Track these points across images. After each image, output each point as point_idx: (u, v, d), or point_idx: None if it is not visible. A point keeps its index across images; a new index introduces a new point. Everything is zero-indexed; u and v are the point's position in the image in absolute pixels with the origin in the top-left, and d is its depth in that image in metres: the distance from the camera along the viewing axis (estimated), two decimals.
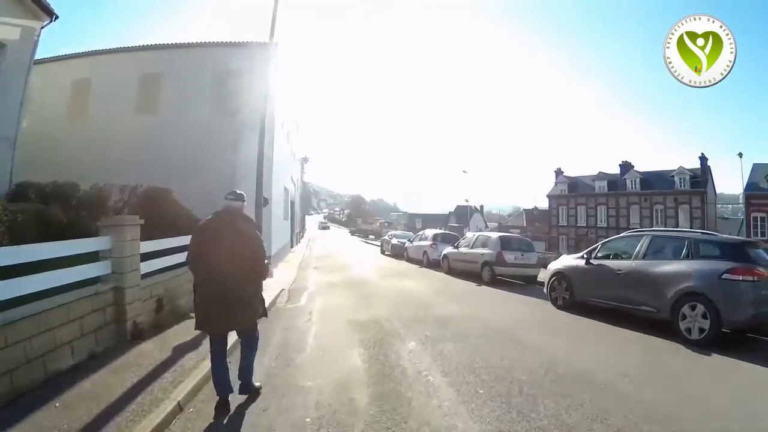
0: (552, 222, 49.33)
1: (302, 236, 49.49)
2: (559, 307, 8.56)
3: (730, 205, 57.49)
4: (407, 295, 9.93)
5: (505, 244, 12.36)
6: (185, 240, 5.04)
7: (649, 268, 6.73)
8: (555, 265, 9.01)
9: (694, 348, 5.76)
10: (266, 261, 3.86)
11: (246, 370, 3.86)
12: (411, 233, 26.60)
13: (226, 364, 3.73)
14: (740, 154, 32.71)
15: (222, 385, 3.63)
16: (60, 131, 15.97)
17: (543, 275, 11.75)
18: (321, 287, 11.70)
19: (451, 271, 14.51)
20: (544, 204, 53.13)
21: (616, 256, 7.70)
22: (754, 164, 34.52)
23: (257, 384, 4.03)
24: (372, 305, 8.74)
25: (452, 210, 74.71)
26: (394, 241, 23.88)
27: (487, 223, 69.67)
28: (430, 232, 19.17)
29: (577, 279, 8.19)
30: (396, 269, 16.34)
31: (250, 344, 3.92)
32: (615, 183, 43.90)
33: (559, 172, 50.20)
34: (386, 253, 24.92)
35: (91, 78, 16.79)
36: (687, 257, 6.39)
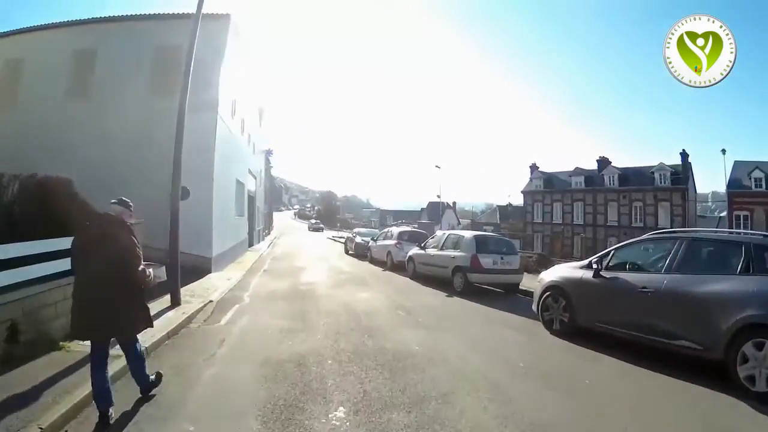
0: (527, 219, 48.11)
1: (267, 233, 47.03)
2: (555, 333, 6.63)
3: (712, 203, 57.52)
4: (357, 313, 7.87)
5: (481, 245, 10.45)
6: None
7: (690, 285, 4.81)
8: (549, 277, 7.03)
9: (758, 406, 3.92)
10: (141, 267, 3.67)
11: (138, 378, 3.91)
12: (378, 230, 24.55)
13: (105, 376, 3.58)
14: (723, 151, 32.42)
15: (100, 399, 3.49)
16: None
17: (530, 284, 9.97)
18: (258, 299, 9.62)
19: (417, 277, 12.56)
20: (518, 201, 52.07)
21: (638, 268, 5.81)
22: (736, 161, 34.10)
23: (152, 377, 4.05)
24: (307, 328, 6.68)
25: (424, 207, 73.14)
26: (358, 239, 21.84)
27: (460, 220, 68.46)
28: (395, 230, 17.20)
29: (580, 297, 6.28)
30: (354, 274, 14.27)
31: (131, 356, 3.87)
32: (592, 179, 42.84)
33: (534, 168, 48.96)
34: (350, 252, 22.89)
35: (24, 58, 14.94)
36: (747, 271, 4.49)
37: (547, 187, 46.61)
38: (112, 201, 3.83)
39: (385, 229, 19.68)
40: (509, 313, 8.25)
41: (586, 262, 6.58)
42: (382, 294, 9.91)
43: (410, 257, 13.15)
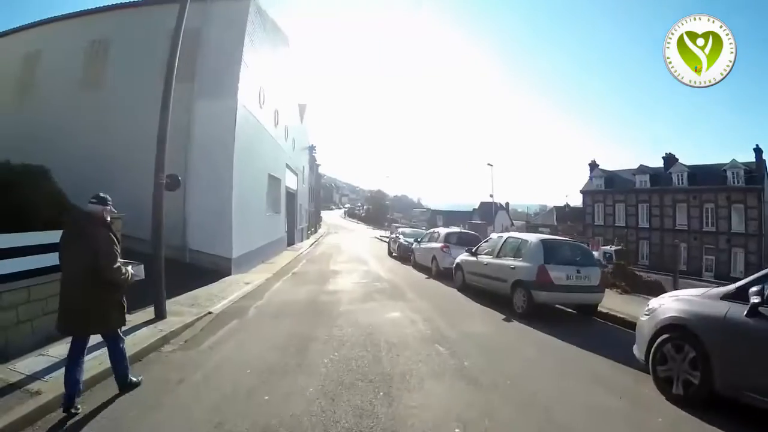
0: (586, 221, 43.67)
1: (314, 231, 45.98)
2: (675, 400, 4.16)
3: None
4: (379, 344, 5.68)
5: (550, 253, 7.91)
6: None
7: None
8: (667, 310, 4.52)
9: None
10: (117, 265, 3.66)
11: (117, 370, 3.98)
12: (424, 231, 22.25)
13: (78, 366, 3.68)
14: None
15: (68, 386, 3.58)
16: (9, 109, 14.14)
17: (611, 305, 7.56)
18: (265, 313, 7.82)
19: (467, 289, 10.23)
20: (575, 201, 47.78)
21: None
22: None
23: (135, 379, 4.10)
24: (302, 370, 4.67)
25: (476, 207, 69.57)
26: (402, 240, 19.67)
27: (513, 222, 64.50)
28: (442, 231, 14.81)
29: (725, 348, 3.82)
30: (391, 281, 12.12)
31: (111, 348, 3.95)
32: (658, 178, 37.83)
33: (593, 166, 44.22)
34: (393, 254, 20.83)
35: (41, 50, 14.57)
36: None
37: (609, 186, 41.88)
38: (90, 199, 3.81)
39: (431, 230, 17.33)
40: (594, 353, 5.72)
41: (732, 288, 4.09)
42: (419, 314, 7.68)
43: (458, 264, 10.84)
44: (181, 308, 7.77)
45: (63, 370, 3.72)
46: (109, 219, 3.86)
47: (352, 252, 24.05)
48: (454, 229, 16.49)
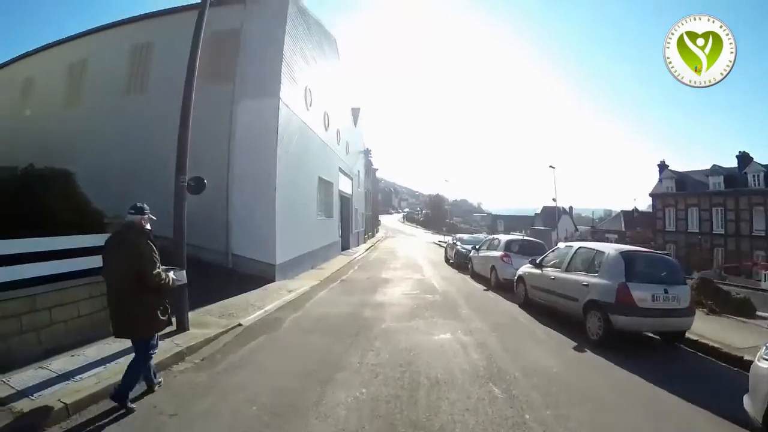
0: (656, 226, 39.40)
1: (371, 235, 45.57)
2: None
3: None
4: (419, 379, 4.64)
5: (632, 268, 6.43)
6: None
7: None
8: None
9: None
10: (156, 271, 3.80)
11: (123, 380, 3.84)
12: (483, 236, 20.77)
13: (149, 366, 4.06)
14: None
15: (144, 377, 4.05)
16: (55, 119, 14.70)
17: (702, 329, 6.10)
18: (298, 328, 7.08)
19: (530, 305, 8.89)
20: (642, 205, 43.54)
21: None
22: None
23: (131, 405, 3.84)
24: (321, 412, 3.80)
25: (538, 212, 65.98)
26: (459, 247, 18.39)
27: (577, 227, 60.42)
28: (502, 239, 13.39)
29: None
30: (445, 293, 10.97)
31: (136, 355, 3.96)
32: (733, 179, 33.20)
33: (663, 166, 39.63)
34: (450, 261, 19.60)
35: (87, 58, 14.99)
36: None
37: (680, 189, 37.38)
38: (129, 209, 3.96)
39: (490, 237, 15.90)
40: (690, 402, 4.24)
41: None
42: (473, 336, 6.51)
43: (520, 277, 9.50)
44: (210, 319, 7.21)
45: (56, 386, 3.94)
46: (149, 227, 3.98)
47: (407, 258, 23.09)
48: (516, 236, 15.07)
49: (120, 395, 3.76)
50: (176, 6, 13.59)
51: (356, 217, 32.09)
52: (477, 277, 14.07)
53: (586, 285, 6.79)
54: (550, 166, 37.15)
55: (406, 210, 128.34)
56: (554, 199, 40.53)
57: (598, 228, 52.24)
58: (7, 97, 17.56)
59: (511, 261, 11.56)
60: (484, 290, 11.70)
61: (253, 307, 8.51)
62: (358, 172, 33.69)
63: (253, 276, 11.49)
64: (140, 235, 3.86)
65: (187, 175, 6.45)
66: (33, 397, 3.83)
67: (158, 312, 3.94)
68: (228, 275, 11.03)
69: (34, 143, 13.48)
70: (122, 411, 3.71)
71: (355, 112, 32.51)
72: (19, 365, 4.40)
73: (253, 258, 11.86)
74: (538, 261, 8.80)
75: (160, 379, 4.30)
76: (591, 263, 7.09)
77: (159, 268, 3.87)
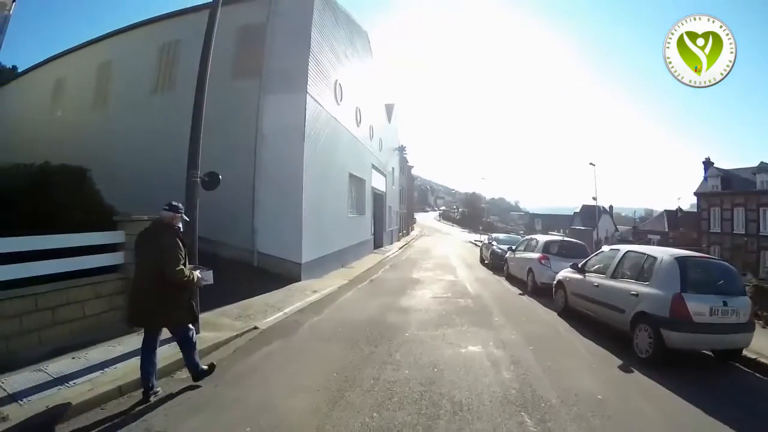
0: (701, 227, 36.62)
1: (405, 233, 44.97)
2: None
3: None
4: (440, 402, 4.07)
5: (689, 277, 5.61)
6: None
7: None
8: None
9: None
10: (179, 268, 3.86)
11: (189, 362, 4.27)
12: (520, 237, 19.79)
13: (152, 360, 4.01)
14: None
15: (143, 377, 3.94)
16: (83, 120, 15.11)
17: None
18: (316, 333, 6.68)
19: (569, 314, 8.12)
20: (684, 204, 40.61)
21: None
22: None
23: (205, 366, 4.43)
24: None
25: (577, 210, 63.17)
26: (495, 247, 17.55)
27: (618, 227, 57.45)
28: (540, 239, 12.49)
29: None
30: (478, 297, 10.31)
31: (182, 344, 4.20)
32: None
33: (708, 164, 36.65)
34: (485, 261, 18.80)
35: (112, 60, 15.39)
36: None
37: (726, 187, 34.42)
38: (164, 206, 4.06)
39: (527, 237, 14.99)
40: None
41: None
42: (506, 350, 5.85)
43: (560, 282, 8.73)
44: (224, 321, 6.92)
45: (48, 391, 3.83)
46: (180, 225, 4.10)
47: (440, 257, 22.43)
48: (555, 236, 14.12)
49: (196, 373, 4.31)
50: (203, 3, 13.57)
51: (390, 214, 31.62)
52: (512, 279, 13.29)
53: (635, 295, 6.01)
54: (590, 164, 35.39)
55: (443, 208, 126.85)
56: (594, 198, 38.54)
57: (640, 228, 49.51)
58: (39, 97, 18.26)
59: (550, 264, 10.75)
60: (520, 294, 10.96)
61: (273, 308, 8.18)
62: (393, 169, 33.20)
63: (278, 275, 11.23)
64: (168, 231, 3.97)
65: (199, 170, 6.13)
66: (22, 402, 3.63)
67: (179, 308, 4.02)
68: (252, 274, 10.81)
69: (63, 142, 13.83)
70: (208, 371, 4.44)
71: (389, 109, 31.99)
72: (18, 366, 4.23)
73: (279, 256, 11.59)
74: (580, 265, 8.01)
75: (158, 389, 4.05)
76: (641, 270, 6.29)
77: (184, 265, 3.94)
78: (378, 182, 24.91)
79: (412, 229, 55.11)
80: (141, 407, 3.77)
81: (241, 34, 12.38)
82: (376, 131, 23.87)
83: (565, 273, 8.60)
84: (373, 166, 22.98)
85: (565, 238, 12.38)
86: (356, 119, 18.05)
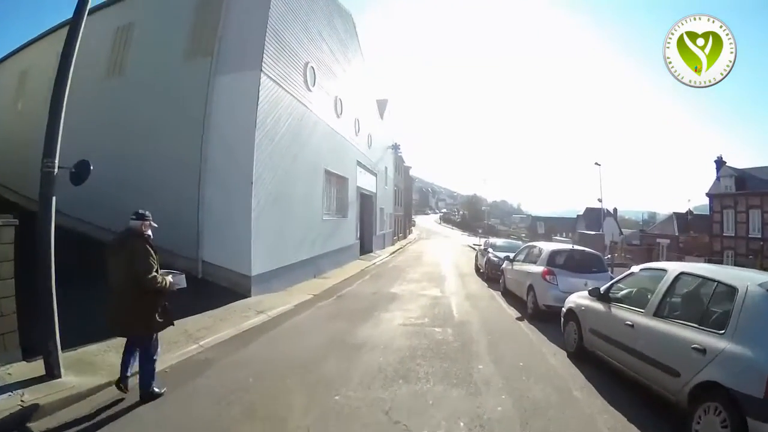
0: (714, 230, 34.00)
1: (401, 237, 42.79)
2: None
3: None
4: None
5: None
6: None
7: None
8: None
9: None
10: (152, 275, 3.85)
11: (142, 378, 4.03)
12: (520, 243, 17.47)
13: (128, 363, 4.09)
14: None
15: (121, 374, 4.04)
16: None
17: None
18: (212, 390, 4.40)
19: (587, 359, 5.81)
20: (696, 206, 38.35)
21: None
22: None
23: (159, 390, 4.11)
24: None
25: (581, 213, 60.70)
26: (491, 255, 15.29)
27: (622, 230, 55.03)
28: (544, 248, 10.02)
29: None
30: (464, 323, 8.13)
31: (143, 354, 4.06)
32: None
33: (720, 163, 34.32)
34: (481, 270, 16.63)
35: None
36: None
37: (740, 188, 32.05)
38: (131, 215, 4.05)
39: (528, 244, 12.56)
40: None
41: None
42: None
43: (572, 311, 6.41)
44: (106, 358, 5.00)
45: None
46: (149, 233, 4.09)
47: (432, 265, 20.28)
48: (562, 245, 11.77)
49: (146, 393, 3.99)
50: None
51: (382, 217, 29.46)
52: (509, 295, 11.09)
53: (701, 351, 3.67)
54: (596, 163, 33.00)
55: (444, 211, 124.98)
56: (600, 200, 36.02)
57: (648, 232, 47.17)
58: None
59: (556, 280, 8.56)
60: (517, 320, 8.72)
61: (188, 339, 6.12)
62: (386, 168, 31.07)
63: (225, 289, 9.23)
64: (138, 239, 3.96)
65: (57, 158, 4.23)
66: None
67: (155, 314, 3.97)
68: (196, 288, 8.63)
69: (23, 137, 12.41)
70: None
71: (382, 104, 29.89)
72: None
73: (226, 266, 9.55)
74: (602, 290, 5.72)
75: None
76: (706, 308, 4.02)
77: (156, 271, 3.91)
78: (366, 181, 22.76)
79: (410, 233, 52.95)
80: None
81: (199, 7, 10.43)
82: (364, 126, 21.77)
83: (580, 299, 6.29)
84: (360, 164, 20.84)
85: (575, 247, 10.04)
86: (336, 110, 15.91)
